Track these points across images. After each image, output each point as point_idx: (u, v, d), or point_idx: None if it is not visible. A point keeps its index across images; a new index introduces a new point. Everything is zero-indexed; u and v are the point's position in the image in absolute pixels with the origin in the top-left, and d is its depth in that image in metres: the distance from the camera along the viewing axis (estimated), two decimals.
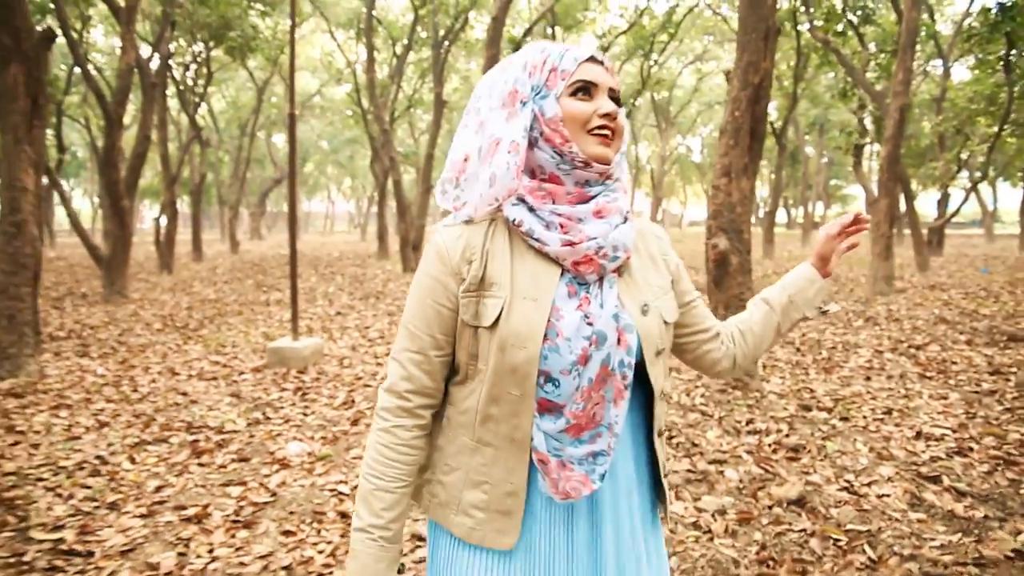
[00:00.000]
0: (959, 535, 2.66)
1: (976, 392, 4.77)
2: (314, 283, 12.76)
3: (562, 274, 1.03)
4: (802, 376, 5.34)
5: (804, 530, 2.73)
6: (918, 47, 17.94)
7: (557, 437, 1.01)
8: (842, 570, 2.42)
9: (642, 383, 1.09)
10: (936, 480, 3.22)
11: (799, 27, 14.46)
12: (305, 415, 4.46)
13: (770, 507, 2.95)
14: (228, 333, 7.57)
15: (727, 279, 4.99)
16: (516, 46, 12.56)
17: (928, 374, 5.31)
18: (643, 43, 19.77)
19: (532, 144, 1.03)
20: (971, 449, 3.63)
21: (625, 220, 1.06)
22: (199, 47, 17.65)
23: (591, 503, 1.07)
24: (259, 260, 19.17)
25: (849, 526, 2.75)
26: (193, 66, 18.66)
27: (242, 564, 2.55)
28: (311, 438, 3.99)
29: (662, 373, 1.11)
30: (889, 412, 4.34)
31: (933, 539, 2.63)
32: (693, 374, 5.39)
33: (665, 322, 1.11)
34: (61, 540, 2.74)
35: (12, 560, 2.59)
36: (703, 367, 1.28)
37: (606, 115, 1.02)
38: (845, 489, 3.13)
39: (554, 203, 1.02)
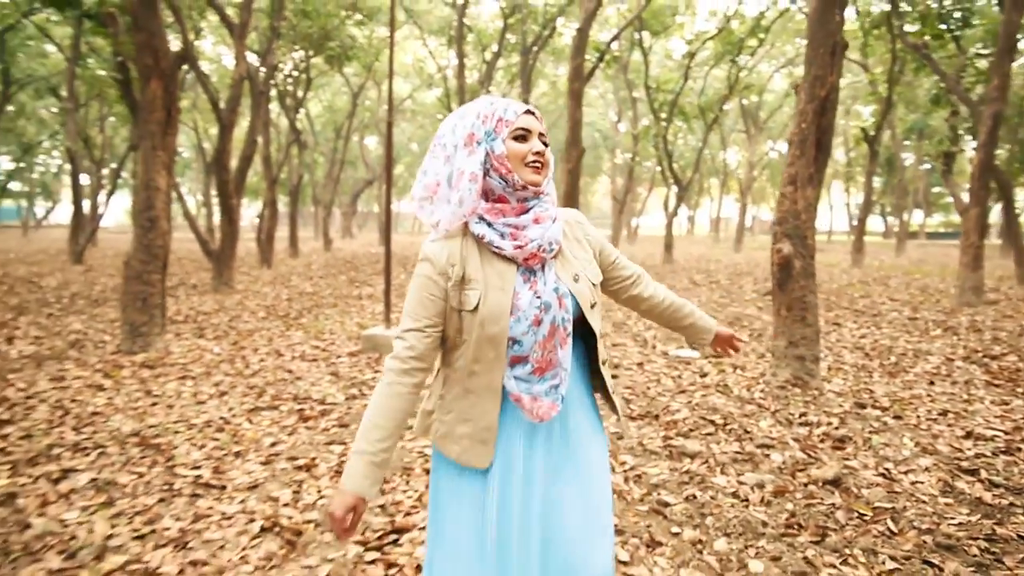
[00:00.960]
0: (980, 517, 2.90)
1: None
2: (403, 280, 13.48)
3: (518, 268, 1.48)
4: (865, 378, 5.50)
5: (833, 504, 3.03)
6: None
7: (527, 379, 1.47)
8: (860, 536, 2.72)
9: (584, 331, 1.57)
10: (974, 473, 3.43)
11: (895, 30, 14.17)
12: None
13: (806, 484, 3.25)
14: (325, 322, 8.29)
15: (790, 282, 5.22)
16: (601, 55, 12.90)
17: (996, 382, 5.37)
18: (731, 48, 19.68)
19: (485, 174, 1.47)
20: (1019, 450, 3.78)
21: (554, 221, 1.51)
22: (299, 55, 18.82)
23: (557, 424, 1.53)
24: (351, 258, 20.21)
25: (877, 504, 3.03)
26: (294, 73, 19.88)
27: None
28: None
29: (598, 319, 1.57)
30: (944, 413, 4.49)
31: (954, 519, 2.88)
32: (756, 372, 5.64)
33: (593, 284, 1.57)
34: (200, 476, 3.35)
35: (165, 488, 3.21)
36: (635, 304, 1.76)
37: (537, 153, 1.47)
38: (882, 475, 3.39)
39: (504, 216, 1.47)
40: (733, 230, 39.70)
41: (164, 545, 2.67)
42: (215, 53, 26.61)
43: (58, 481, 3.29)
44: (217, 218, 31.88)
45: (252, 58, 14.19)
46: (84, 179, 22.35)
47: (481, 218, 1.48)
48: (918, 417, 4.40)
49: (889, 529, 2.79)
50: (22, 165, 29.85)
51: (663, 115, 20.66)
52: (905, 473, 3.41)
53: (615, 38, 14.61)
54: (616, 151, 38.88)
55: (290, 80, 20.02)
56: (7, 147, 28.38)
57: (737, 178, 39.36)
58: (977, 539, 2.69)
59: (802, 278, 5.22)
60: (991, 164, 10.36)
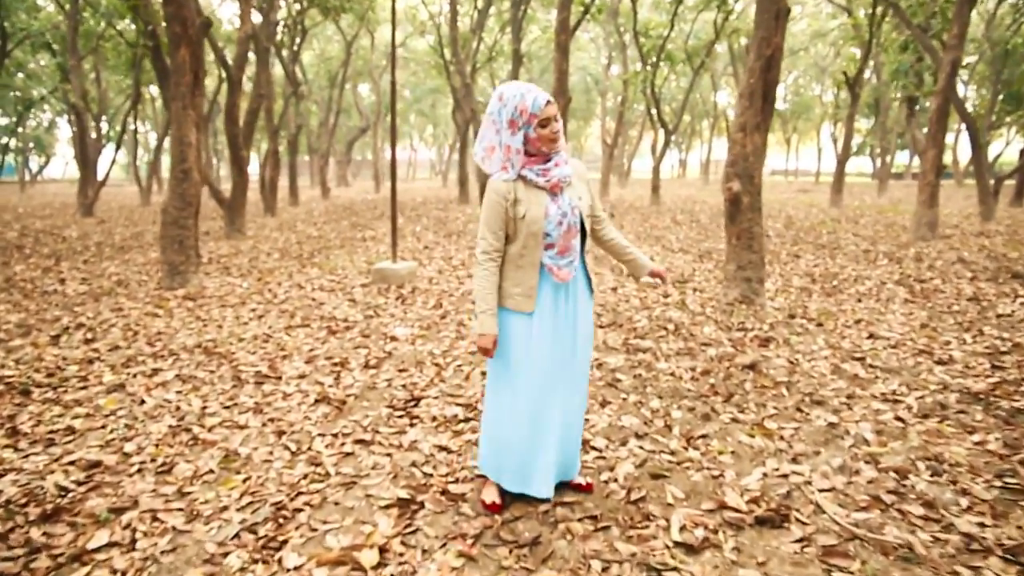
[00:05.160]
0: (849, 385, 3.88)
1: (944, 311, 5.80)
2: (402, 223, 14.34)
3: (547, 192, 2.40)
4: (804, 298, 6.46)
5: (745, 380, 4.01)
6: None
7: (554, 257, 2.42)
8: (757, 397, 3.70)
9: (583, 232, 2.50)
10: (861, 360, 4.41)
11: None
12: (406, 313, 5.96)
13: (728, 367, 4.23)
14: (336, 260, 9.20)
15: (739, 215, 6.13)
16: (586, 8, 13.48)
17: (913, 299, 6.34)
18: None
19: (526, 143, 2.37)
20: (904, 345, 4.76)
21: (567, 163, 2.43)
22: (296, 6, 19.23)
23: (568, 285, 2.47)
24: (349, 204, 21.00)
25: (779, 379, 4.01)
26: (289, 23, 20.29)
27: (375, 383, 4.05)
28: (412, 326, 5.48)
29: (588, 224, 2.50)
30: (859, 322, 5.47)
31: (830, 386, 3.86)
32: (712, 294, 6.60)
33: (589, 204, 2.50)
34: (260, 371, 4.32)
35: (235, 379, 4.18)
36: (597, 239, 2.66)
37: (555, 132, 2.35)
38: (789, 362, 4.37)
39: (537, 164, 2.39)
40: (721, 172, 40.28)
41: (246, 412, 3.65)
42: (206, 2, 26.77)
43: (151, 376, 4.25)
44: (218, 169, 32.46)
45: (255, 16, 14.67)
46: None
47: (524, 166, 2.38)
48: (835, 325, 5.38)
49: (781, 393, 3.78)
50: (14, 120, 30.15)
51: (651, 60, 21.19)
52: (808, 360, 4.40)
53: None
54: (608, 95, 39.19)
55: (286, 31, 20.43)
56: (5, 104, 28.68)
57: (727, 120, 39.75)
58: (840, 397, 3.68)
59: (749, 211, 6.12)
60: (948, 109, 11.14)
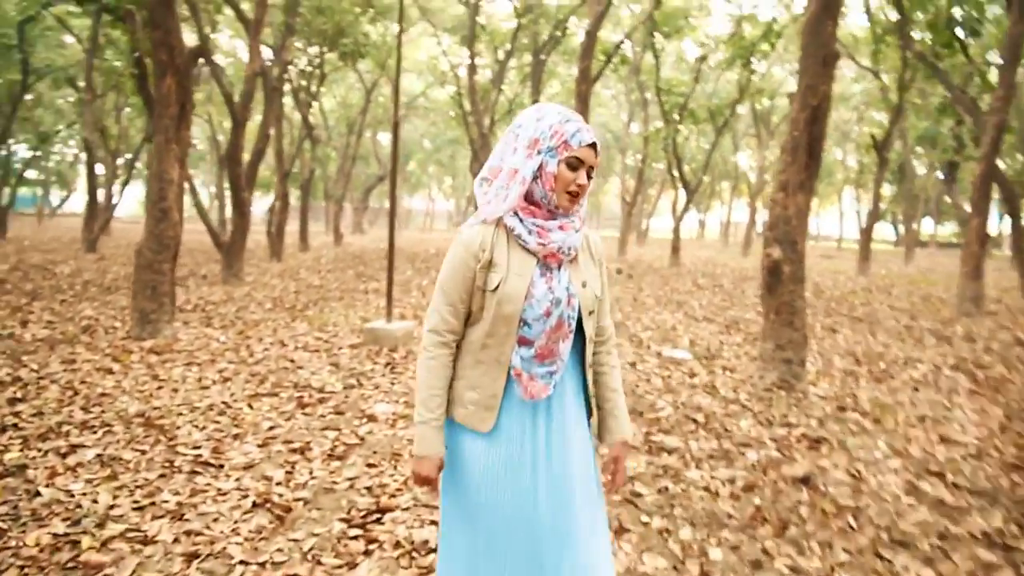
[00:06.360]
0: (936, 516, 3.03)
1: (1022, 408, 4.94)
2: (409, 276, 13.67)
3: (537, 262, 1.63)
4: (851, 383, 5.62)
5: (799, 500, 3.17)
6: None
7: (528, 361, 1.62)
8: (820, 530, 2.86)
9: (580, 332, 1.69)
10: (940, 475, 3.56)
11: (904, 38, 14.18)
12: (393, 384, 5.17)
13: (775, 482, 3.39)
14: (330, 315, 8.47)
15: (779, 287, 5.35)
16: (608, 57, 13.01)
17: (980, 391, 5.48)
18: (742, 52, 19.72)
19: (534, 178, 1.62)
20: (988, 455, 3.91)
21: (577, 231, 1.66)
22: (314, 50, 19.01)
23: (548, 404, 1.66)
24: (360, 253, 20.42)
25: (842, 502, 3.16)
26: (308, 68, 20.08)
27: (334, 483, 3.25)
28: (396, 401, 4.69)
29: (592, 326, 1.70)
30: (923, 419, 4.62)
31: (913, 517, 3.01)
32: (746, 374, 5.77)
33: (596, 296, 1.71)
34: (200, 455, 3.53)
35: (166, 465, 3.39)
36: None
37: (579, 185, 1.61)
38: (851, 475, 3.52)
39: (534, 217, 1.63)
40: (743, 235, 39.64)
41: (162, 516, 2.85)
42: (231, 47, 26.87)
43: (66, 455, 3.48)
44: (229, 210, 32.22)
45: (267, 53, 14.39)
46: (99, 169, 22.70)
47: (515, 213, 1.64)
48: (896, 422, 4.53)
49: (849, 525, 2.93)
50: (38, 154, 30.26)
51: (673, 118, 20.72)
52: (873, 474, 3.55)
53: (623, 40, 14.72)
54: (627, 152, 38.96)
55: (304, 75, 20.23)
56: (24, 136, 28.72)
57: (748, 182, 39.25)
58: (930, 536, 2.83)
59: (791, 283, 5.34)
60: (993, 174, 10.41)
